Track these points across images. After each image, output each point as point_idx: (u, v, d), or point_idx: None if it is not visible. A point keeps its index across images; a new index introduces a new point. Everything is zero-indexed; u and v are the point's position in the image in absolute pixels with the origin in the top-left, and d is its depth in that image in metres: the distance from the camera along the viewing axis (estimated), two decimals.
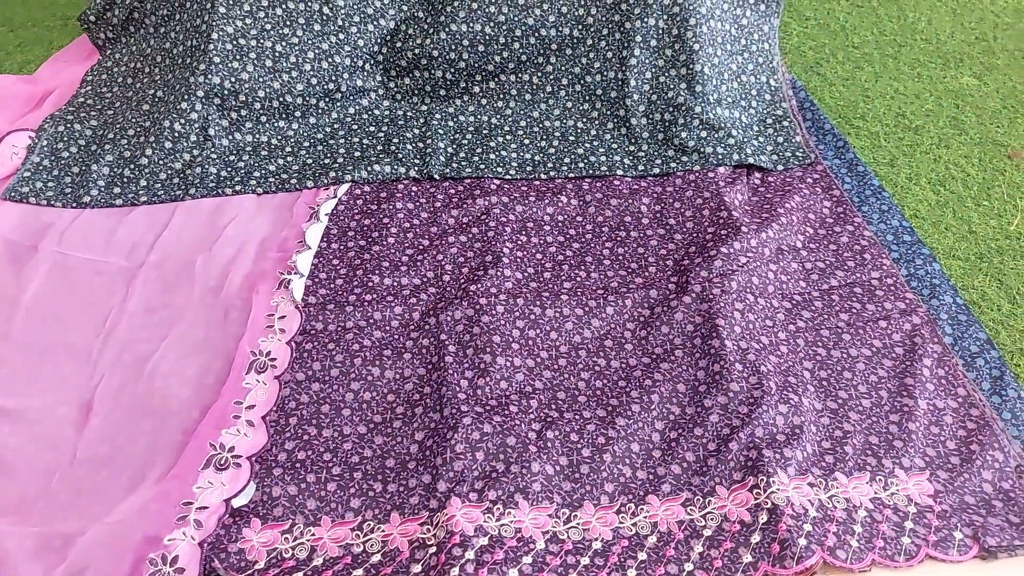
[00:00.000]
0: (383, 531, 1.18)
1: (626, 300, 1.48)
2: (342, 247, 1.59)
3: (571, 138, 1.84)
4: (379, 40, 1.90)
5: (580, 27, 1.88)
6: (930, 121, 1.96)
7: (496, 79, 1.91)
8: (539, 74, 1.90)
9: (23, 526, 1.17)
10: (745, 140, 1.82)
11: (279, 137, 1.83)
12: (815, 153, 1.80)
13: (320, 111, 1.87)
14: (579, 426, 1.29)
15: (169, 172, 1.73)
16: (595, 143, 1.83)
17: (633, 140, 1.83)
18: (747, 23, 1.92)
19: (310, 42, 1.85)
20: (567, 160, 1.79)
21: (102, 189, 1.69)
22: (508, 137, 1.84)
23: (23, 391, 1.34)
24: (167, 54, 1.90)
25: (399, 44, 1.90)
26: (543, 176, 1.76)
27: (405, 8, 1.90)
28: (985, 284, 1.57)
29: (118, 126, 1.81)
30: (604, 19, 1.86)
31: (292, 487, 1.22)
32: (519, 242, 1.60)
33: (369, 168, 1.74)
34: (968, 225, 1.69)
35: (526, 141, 1.84)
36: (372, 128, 1.86)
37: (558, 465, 1.24)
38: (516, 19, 1.87)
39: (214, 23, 1.79)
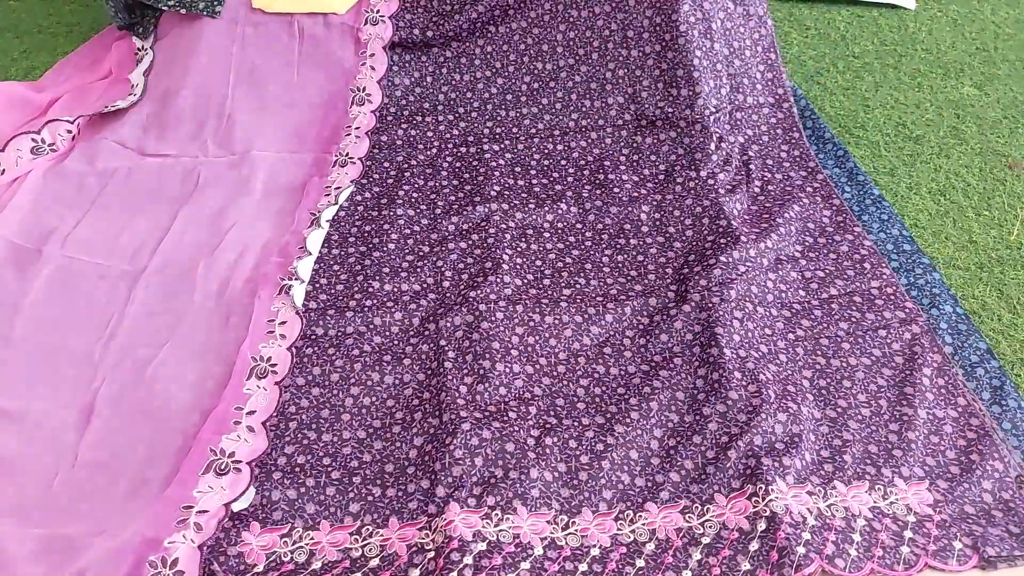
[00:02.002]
0: (382, 535, 1.18)
1: (625, 308, 1.48)
2: (343, 253, 1.59)
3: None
4: None
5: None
6: (930, 131, 1.96)
7: None
8: None
9: (24, 528, 1.17)
10: None
11: None
12: (815, 161, 1.81)
13: None
14: (578, 433, 1.29)
15: None
16: None
17: None
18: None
19: None
20: None
21: None
22: None
23: (25, 394, 1.35)
24: None
25: None
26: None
27: None
28: (985, 294, 1.57)
29: None
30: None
31: (291, 491, 1.22)
32: (519, 249, 1.61)
33: None
34: (968, 235, 1.69)
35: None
36: None
37: (556, 471, 1.24)
38: None
39: None
